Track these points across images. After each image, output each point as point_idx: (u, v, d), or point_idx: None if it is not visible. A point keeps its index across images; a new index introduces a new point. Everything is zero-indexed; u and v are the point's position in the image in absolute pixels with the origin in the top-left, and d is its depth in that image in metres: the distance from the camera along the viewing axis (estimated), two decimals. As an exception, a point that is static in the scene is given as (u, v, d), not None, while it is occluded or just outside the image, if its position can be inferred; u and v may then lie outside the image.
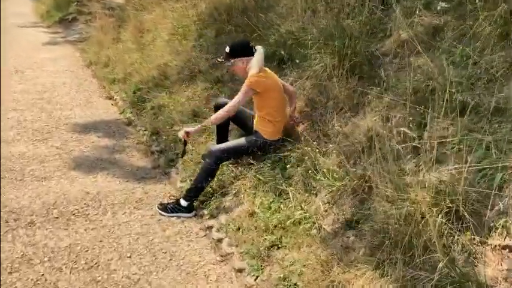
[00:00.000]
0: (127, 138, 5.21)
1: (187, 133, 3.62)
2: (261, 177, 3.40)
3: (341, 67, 3.81)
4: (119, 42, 8.39)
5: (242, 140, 3.60)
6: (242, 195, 3.44)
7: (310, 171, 3.17)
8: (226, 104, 3.66)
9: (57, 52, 9.38)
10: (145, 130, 5.28)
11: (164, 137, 4.83)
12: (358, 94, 3.63)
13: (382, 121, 3.22)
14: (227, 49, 3.65)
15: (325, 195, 3.03)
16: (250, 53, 3.61)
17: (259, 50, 3.62)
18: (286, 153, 3.52)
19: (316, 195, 3.07)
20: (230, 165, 3.74)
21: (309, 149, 3.40)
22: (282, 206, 3.11)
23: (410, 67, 3.64)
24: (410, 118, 3.00)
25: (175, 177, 4.19)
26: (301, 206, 3.01)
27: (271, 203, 3.16)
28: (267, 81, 3.59)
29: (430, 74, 3.28)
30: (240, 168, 3.67)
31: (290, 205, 3.08)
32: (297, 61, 4.29)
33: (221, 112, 3.57)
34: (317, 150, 3.36)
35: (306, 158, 3.31)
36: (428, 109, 2.98)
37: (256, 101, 3.63)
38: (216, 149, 3.54)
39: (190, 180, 3.84)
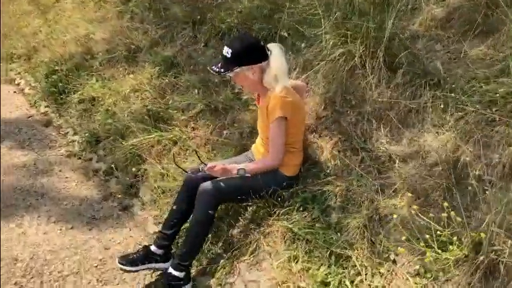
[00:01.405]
0: (50, 147, 3.78)
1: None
2: (294, 229, 2.33)
3: (374, 56, 2.80)
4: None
5: (253, 179, 2.43)
6: (267, 256, 2.37)
7: (376, 224, 2.19)
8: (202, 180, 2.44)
9: None
10: (74, 134, 3.88)
11: (110, 148, 3.50)
12: (406, 96, 2.65)
13: (463, 141, 2.30)
14: (227, 52, 2.34)
15: (409, 263, 2.07)
16: (263, 56, 2.37)
17: (276, 51, 2.39)
18: (321, 188, 2.48)
19: (393, 261, 2.10)
20: (237, 205, 2.62)
21: (354, 181, 2.43)
22: (346, 281, 2.10)
23: (464, 58, 2.75)
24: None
25: (142, 215, 2.97)
26: (383, 286, 2.03)
27: (326, 275, 2.13)
28: (295, 98, 2.42)
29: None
30: (252, 208, 2.57)
31: (358, 278, 2.09)
32: (302, 45, 3.17)
33: (266, 164, 2.43)
34: (370, 182, 2.38)
35: (363, 199, 2.32)
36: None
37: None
38: (214, 189, 2.36)
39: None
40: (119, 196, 3.14)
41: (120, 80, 4.08)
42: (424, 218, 2.01)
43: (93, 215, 2.97)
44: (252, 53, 2.37)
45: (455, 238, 1.92)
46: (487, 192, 2.04)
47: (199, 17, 4.11)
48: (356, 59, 2.79)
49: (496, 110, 2.27)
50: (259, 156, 2.57)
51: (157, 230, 2.76)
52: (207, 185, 2.39)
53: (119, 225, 2.89)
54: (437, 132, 2.45)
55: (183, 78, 3.69)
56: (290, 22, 3.34)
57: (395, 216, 2.17)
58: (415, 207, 2.13)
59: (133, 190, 3.14)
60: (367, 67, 2.77)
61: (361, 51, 2.77)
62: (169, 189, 2.90)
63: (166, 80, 3.79)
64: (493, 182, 2.08)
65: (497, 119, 2.22)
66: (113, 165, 3.32)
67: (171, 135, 3.20)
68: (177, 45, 4.13)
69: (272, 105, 2.35)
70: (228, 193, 2.40)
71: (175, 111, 3.38)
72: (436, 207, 2.16)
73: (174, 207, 2.47)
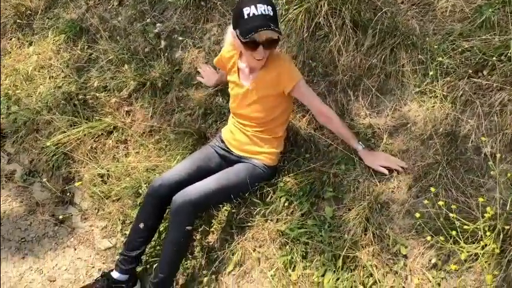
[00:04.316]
0: None
1: None
2: (284, 229, 2.02)
3: (338, 14, 2.45)
4: None
5: (234, 177, 2.05)
6: (257, 265, 2.05)
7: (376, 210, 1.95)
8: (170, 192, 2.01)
9: None
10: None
11: (22, 144, 2.85)
12: (381, 60, 2.38)
13: (457, 110, 2.10)
14: (266, 10, 1.88)
15: (422, 255, 1.88)
16: None
17: None
18: (305, 177, 2.17)
19: (404, 256, 1.90)
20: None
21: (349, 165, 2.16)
22: (358, 285, 1.86)
23: (434, 12, 2.51)
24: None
25: (84, 227, 2.46)
26: (399, 285, 1.83)
27: (335, 281, 1.88)
28: None
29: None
30: (227, 208, 2.19)
31: (371, 280, 1.87)
32: None
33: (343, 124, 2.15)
34: (359, 164, 2.13)
35: (357, 185, 2.06)
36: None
37: (279, 104, 2.12)
38: (192, 202, 1.92)
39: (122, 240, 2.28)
40: (49, 206, 2.57)
41: (17, 55, 3.31)
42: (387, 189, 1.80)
43: (22, 237, 2.40)
44: None
45: (470, 225, 1.74)
46: (492, 167, 1.88)
47: (105, -33, 3.39)
48: (320, 18, 2.44)
49: (488, 74, 2.09)
50: (235, 143, 2.17)
51: (110, 246, 2.31)
52: (183, 199, 1.93)
53: (59, 246, 2.36)
54: (422, 100, 2.23)
55: (101, 48, 3.06)
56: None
57: (396, 205, 1.95)
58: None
59: (67, 197, 2.58)
60: (333, 27, 2.42)
61: (326, 8, 2.41)
62: (116, 194, 2.41)
63: (79, 52, 3.13)
64: (496, 155, 1.92)
65: (494, 85, 2.03)
66: (31, 167, 2.70)
67: (104, 125, 2.65)
68: (82, 5, 3.42)
69: (286, 70, 2.05)
70: (209, 203, 2.01)
71: (102, 93, 2.79)
72: (440, 187, 1.97)
73: (141, 225, 2.02)
